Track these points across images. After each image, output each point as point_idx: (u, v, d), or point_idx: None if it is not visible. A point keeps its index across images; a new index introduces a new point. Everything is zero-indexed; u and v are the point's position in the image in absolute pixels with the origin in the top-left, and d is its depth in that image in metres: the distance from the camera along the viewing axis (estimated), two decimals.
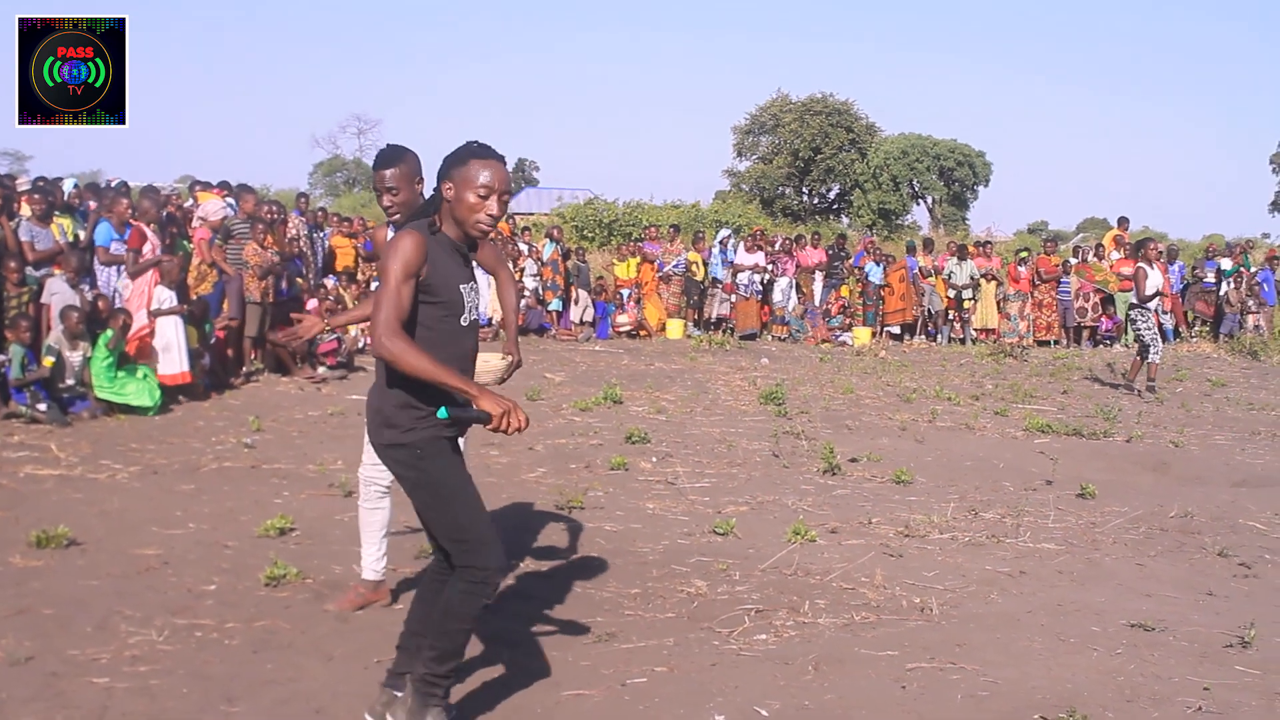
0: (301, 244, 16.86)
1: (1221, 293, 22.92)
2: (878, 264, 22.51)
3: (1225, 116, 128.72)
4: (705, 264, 22.15)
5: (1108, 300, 22.37)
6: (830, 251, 23.03)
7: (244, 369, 14.12)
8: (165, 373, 11.86)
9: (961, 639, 5.72)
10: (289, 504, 8.00)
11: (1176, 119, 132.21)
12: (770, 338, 21.67)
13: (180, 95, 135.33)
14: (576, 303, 21.21)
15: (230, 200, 15.07)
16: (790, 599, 6.31)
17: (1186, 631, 5.97)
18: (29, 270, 11.47)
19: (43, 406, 10.53)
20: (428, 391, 4.05)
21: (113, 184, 16.93)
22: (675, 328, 21.34)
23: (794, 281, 21.96)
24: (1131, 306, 15.68)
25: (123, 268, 12.42)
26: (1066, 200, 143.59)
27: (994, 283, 22.43)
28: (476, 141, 4.25)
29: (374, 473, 5.77)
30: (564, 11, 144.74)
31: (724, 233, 23.57)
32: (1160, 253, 16.73)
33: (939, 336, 22.45)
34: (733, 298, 21.66)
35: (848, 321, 22.21)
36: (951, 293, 22.32)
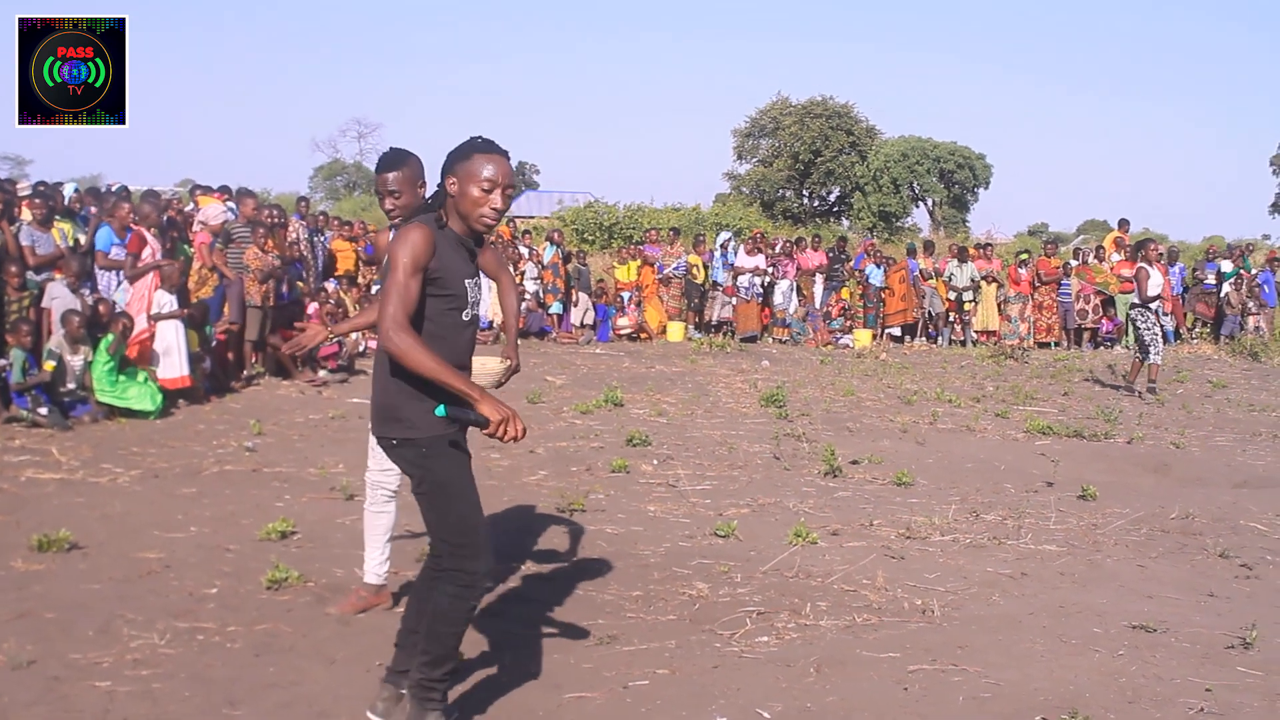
0: (302, 248, 16.87)
1: (1222, 294, 22.93)
2: (878, 266, 22.51)
3: (1225, 118, 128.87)
4: (706, 267, 22.16)
5: (1108, 302, 22.38)
6: (831, 254, 23.04)
7: (245, 372, 14.13)
8: (165, 376, 11.86)
9: (963, 641, 5.72)
10: (290, 507, 7.99)
11: (1176, 120, 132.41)
12: (771, 340, 21.67)
13: (181, 99, 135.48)
14: (577, 305, 21.21)
15: (231, 204, 15.08)
16: (792, 601, 6.30)
17: (1188, 633, 5.97)
18: (30, 275, 11.48)
19: (44, 410, 10.53)
20: (431, 386, 4.06)
21: (113, 188, 16.92)
22: (676, 330, 21.34)
23: (794, 284, 21.96)
24: (1132, 307, 15.68)
25: (122, 272, 12.41)
26: (1067, 202, 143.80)
27: (994, 285, 22.44)
28: (480, 137, 4.26)
29: (381, 477, 5.78)
30: (564, 15, 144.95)
31: (724, 235, 23.58)
32: (1161, 254, 16.73)
33: (940, 338, 22.46)
34: (733, 300, 21.66)
35: (848, 324, 22.22)
36: (952, 295, 22.32)
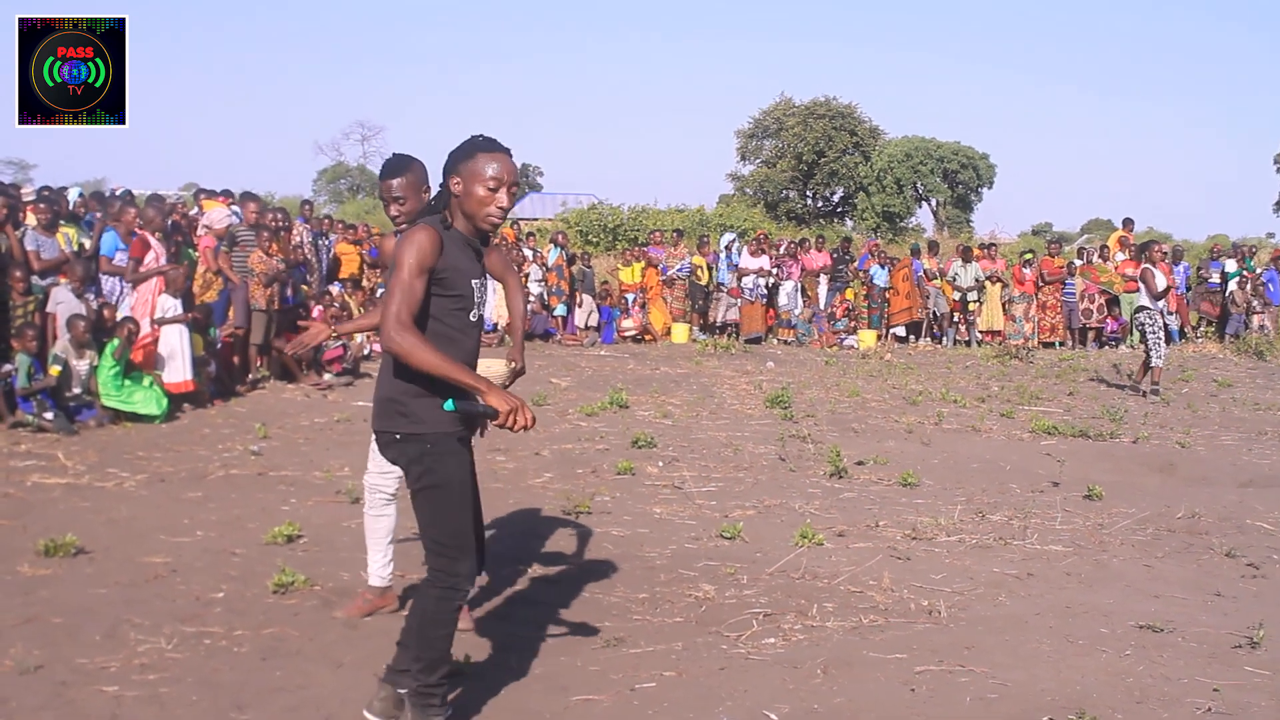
0: (306, 251, 16.88)
1: (1226, 293, 22.92)
2: (882, 267, 22.50)
3: (1229, 117, 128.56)
4: (710, 268, 22.16)
5: (1113, 301, 22.37)
6: (835, 255, 23.05)
7: (250, 376, 14.14)
8: (169, 381, 11.88)
9: (970, 641, 5.71)
10: (296, 511, 8.01)
11: (1180, 120, 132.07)
12: (776, 341, 21.67)
13: (184, 102, 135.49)
14: (581, 307, 21.22)
15: (235, 208, 15.10)
16: (798, 602, 6.30)
17: (1195, 632, 5.96)
18: (35, 279, 11.49)
19: (49, 415, 10.55)
20: (438, 382, 4.06)
21: (117, 192, 16.96)
22: (680, 332, 21.35)
23: (799, 285, 21.96)
24: (1138, 310, 15.66)
25: (124, 277, 12.44)
26: (1071, 202, 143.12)
27: (999, 285, 22.42)
28: (482, 135, 4.26)
29: (380, 480, 5.78)
30: (567, 16, 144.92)
31: (729, 237, 23.56)
32: (1165, 253, 16.71)
33: (944, 339, 22.44)
34: (738, 302, 21.65)
35: (853, 325, 22.21)
36: (956, 295, 22.30)
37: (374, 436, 4.48)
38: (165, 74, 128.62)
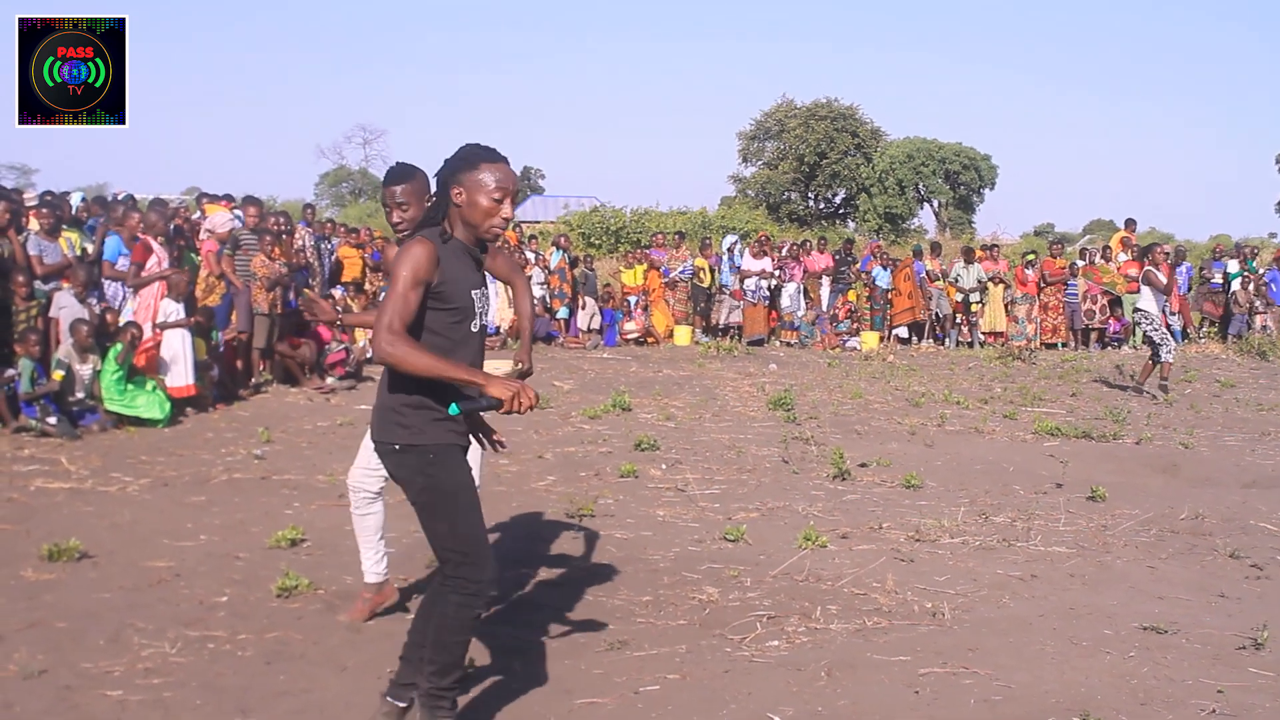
0: (309, 255, 16.88)
1: (1229, 293, 22.91)
2: (885, 268, 22.50)
3: (1230, 117, 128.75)
4: (713, 270, 22.15)
5: (1115, 302, 22.36)
6: (837, 256, 23.05)
7: (253, 380, 14.14)
8: (171, 385, 11.88)
9: (974, 643, 5.71)
10: (299, 515, 8.01)
11: (1182, 120, 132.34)
12: (778, 343, 21.67)
13: (186, 106, 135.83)
14: (584, 310, 21.21)
15: (238, 212, 15.11)
16: (802, 605, 6.30)
17: (1199, 634, 5.96)
18: (37, 284, 11.50)
19: (53, 420, 10.55)
20: (438, 390, 4.06)
21: (119, 196, 16.98)
22: (683, 334, 21.35)
23: (802, 287, 21.95)
24: (1136, 311, 15.64)
25: (125, 281, 12.45)
26: (1073, 202, 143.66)
27: (1001, 286, 22.41)
28: (478, 144, 4.24)
29: (363, 479, 5.80)
30: (568, 19, 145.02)
31: (731, 239, 23.53)
32: (1167, 254, 16.69)
33: (947, 340, 22.44)
34: (741, 304, 21.64)
35: (855, 326, 22.21)
36: (959, 296, 22.30)
37: (372, 447, 4.47)
38: (168, 77, 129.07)
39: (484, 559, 4.21)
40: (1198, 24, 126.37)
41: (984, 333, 22.26)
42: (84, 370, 11.07)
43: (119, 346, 11.23)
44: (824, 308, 22.15)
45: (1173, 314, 15.42)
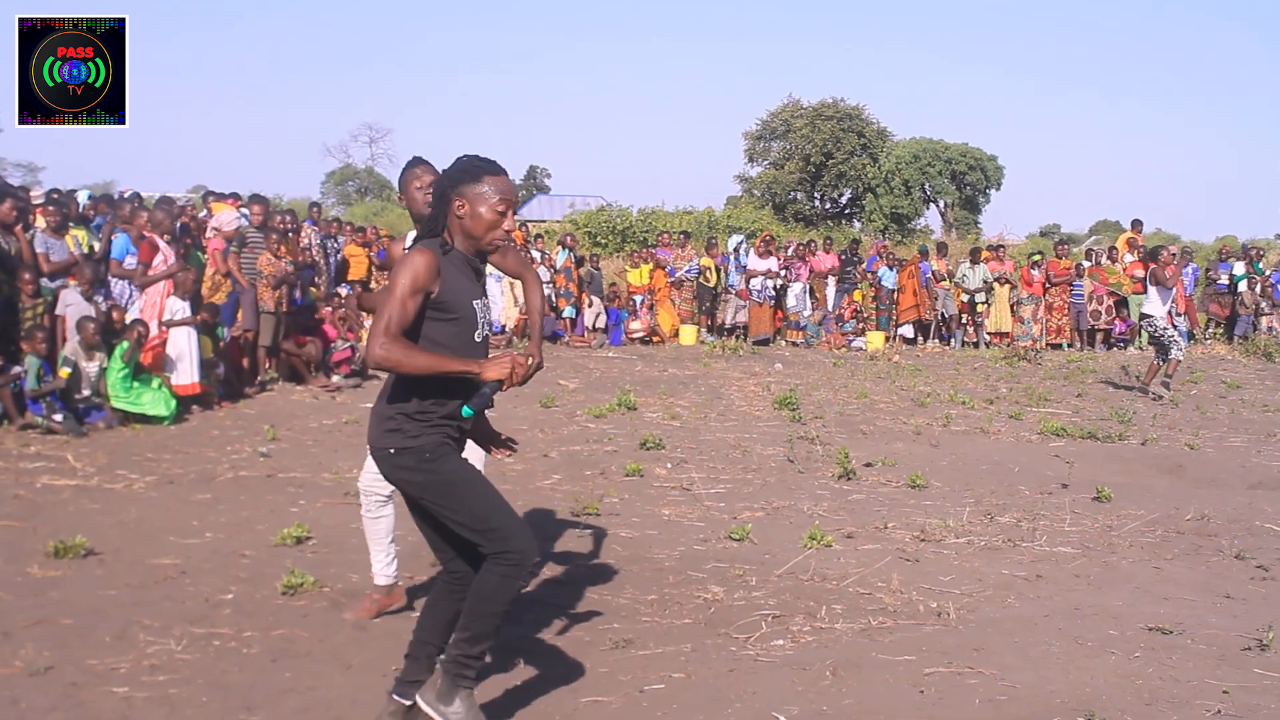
0: (315, 253, 16.91)
1: (1236, 294, 22.88)
2: (890, 269, 22.49)
3: (1237, 119, 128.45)
4: (718, 270, 22.14)
5: (1121, 303, 22.34)
6: (843, 256, 23.04)
7: (258, 378, 14.16)
8: (177, 383, 11.89)
9: (979, 643, 5.71)
10: (305, 512, 8.02)
11: (1188, 121, 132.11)
12: (784, 343, 21.66)
13: (192, 105, 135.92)
14: (590, 308, 21.22)
15: (244, 210, 15.13)
16: (807, 604, 6.30)
17: (1204, 634, 5.95)
18: (44, 282, 11.52)
19: (59, 417, 10.57)
20: (436, 397, 4.10)
21: (125, 195, 16.99)
22: (688, 334, 21.34)
23: (808, 287, 21.94)
24: (1143, 316, 15.62)
25: (132, 280, 12.46)
26: (1079, 203, 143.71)
27: (1007, 286, 22.39)
28: (477, 156, 4.26)
29: (374, 484, 5.80)
30: (574, 18, 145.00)
31: (737, 239, 23.52)
32: (1173, 255, 16.67)
33: (953, 340, 22.43)
34: (746, 304, 21.63)
35: (861, 326, 22.20)
36: (964, 297, 22.28)
37: (368, 451, 4.49)
38: (175, 76, 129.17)
39: (515, 530, 4.21)
40: (1205, 25, 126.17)
41: (989, 333, 22.25)
42: (90, 368, 11.09)
43: (125, 344, 11.24)
44: (829, 308, 22.14)
45: (1179, 315, 15.38)
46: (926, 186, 52.45)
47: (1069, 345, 22.32)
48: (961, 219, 52.00)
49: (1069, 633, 5.93)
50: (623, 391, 13.77)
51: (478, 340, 4.26)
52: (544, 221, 39.70)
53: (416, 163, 5.61)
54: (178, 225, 13.64)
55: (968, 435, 12.19)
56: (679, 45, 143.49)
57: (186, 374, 12.07)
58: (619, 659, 5.41)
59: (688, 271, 21.89)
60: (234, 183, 75.89)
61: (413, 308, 4.03)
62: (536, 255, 21.03)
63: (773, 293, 21.81)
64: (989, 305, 22.28)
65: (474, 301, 4.23)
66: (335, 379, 14.59)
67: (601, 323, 21.26)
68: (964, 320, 22.48)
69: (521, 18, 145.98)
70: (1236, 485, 10.08)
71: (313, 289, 16.03)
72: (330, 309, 15.73)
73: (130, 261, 12.50)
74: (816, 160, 52.24)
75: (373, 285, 18.48)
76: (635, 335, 21.19)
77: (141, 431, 10.94)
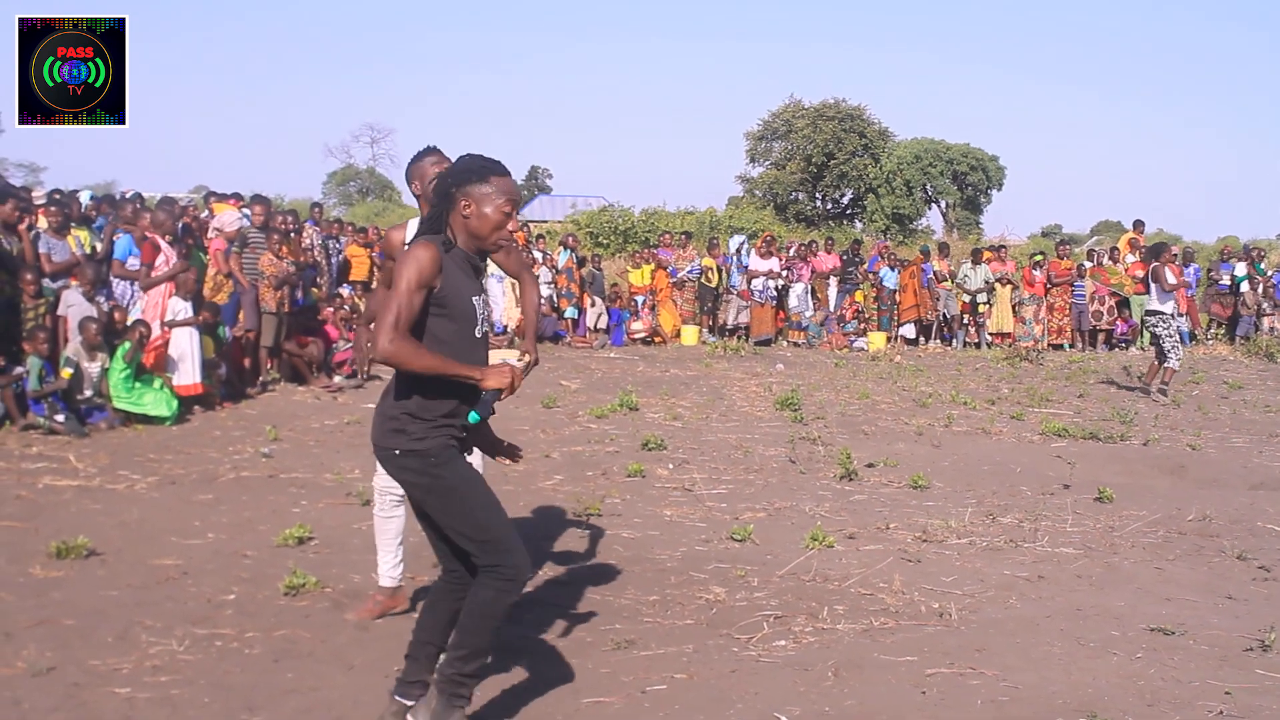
0: (316, 254, 16.91)
1: (1238, 295, 22.87)
2: (892, 269, 22.49)
3: (1239, 119, 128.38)
4: (719, 270, 22.13)
5: (1123, 303, 22.34)
6: (845, 257, 23.03)
7: (260, 378, 14.16)
8: (179, 384, 11.89)
9: (981, 644, 5.71)
10: (307, 513, 8.02)
11: (1190, 122, 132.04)
12: (785, 343, 21.66)
13: (194, 105, 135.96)
14: (595, 305, 21.22)
15: (246, 211, 15.13)
16: (809, 605, 6.30)
17: (1206, 635, 5.95)
18: (46, 282, 11.52)
19: (60, 418, 10.57)
20: (438, 397, 4.12)
21: (127, 195, 17.00)
22: (690, 334, 21.34)
23: (809, 287, 21.94)
24: (1148, 314, 15.61)
25: (137, 282, 12.46)
26: (1080, 204, 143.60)
27: (1009, 287, 22.38)
28: (482, 156, 4.27)
29: (389, 482, 5.80)
30: (575, 18, 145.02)
31: (739, 239, 23.50)
32: (1175, 255, 16.66)
33: (954, 341, 22.42)
34: (748, 304, 21.63)
35: (862, 327, 22.20)
36: (966, 297, 22.28)
37: (373, 450, 4.50)
38: (176, 76, 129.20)
39: (510, 545, 4.23)
40: (1206, 25, 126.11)
41: (991, 334, 22.25)
42: (92, 368, 11.09)
43: (127, 344, 11.25)
44: (831, 308, 22.14)
45: (1180, 315, 15.39)
46: (928, 187, 52.43)
47: (1070, 346, 22.32)
48: (963, 219, 52.00)
49: (1071, 633, 5.93)
50: (624, 392, 13.77)
51: (478, 337, 4.28)
52: (545, 222, 39.68)
53: (431, 151, 5.62)
54: (179, 226, 13.63)
55: (969, 436, 12.18)
56: (681, 45, 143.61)
57: (188, 374, 12.08)
58: (621, 660, 5.42)
59: (689, 272, 21.89)
60: (235, 183, 75.79)
61: (418, 303, 4.05)
62: (538, 256, 21.04)
63: (774, 293, 21.80)
64: (990, 306, 22.28)
65: (474, 299, 4.25)
66: (337, 379, 14.60)
67: (603, 323, 21.26)
68: (965, 321, 22.47)
69: (523, 17, 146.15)
70: (1238, 486, 10.08)
71: (314, 289, 16.03)
72: (332, 309, 15.73)
73: (133, 262, 12.50)
74: (818, 161, 52.24)
75: (374, 286, 18.46)
76: (637, 336, 21.19)
77: (143, 432, 10.94)
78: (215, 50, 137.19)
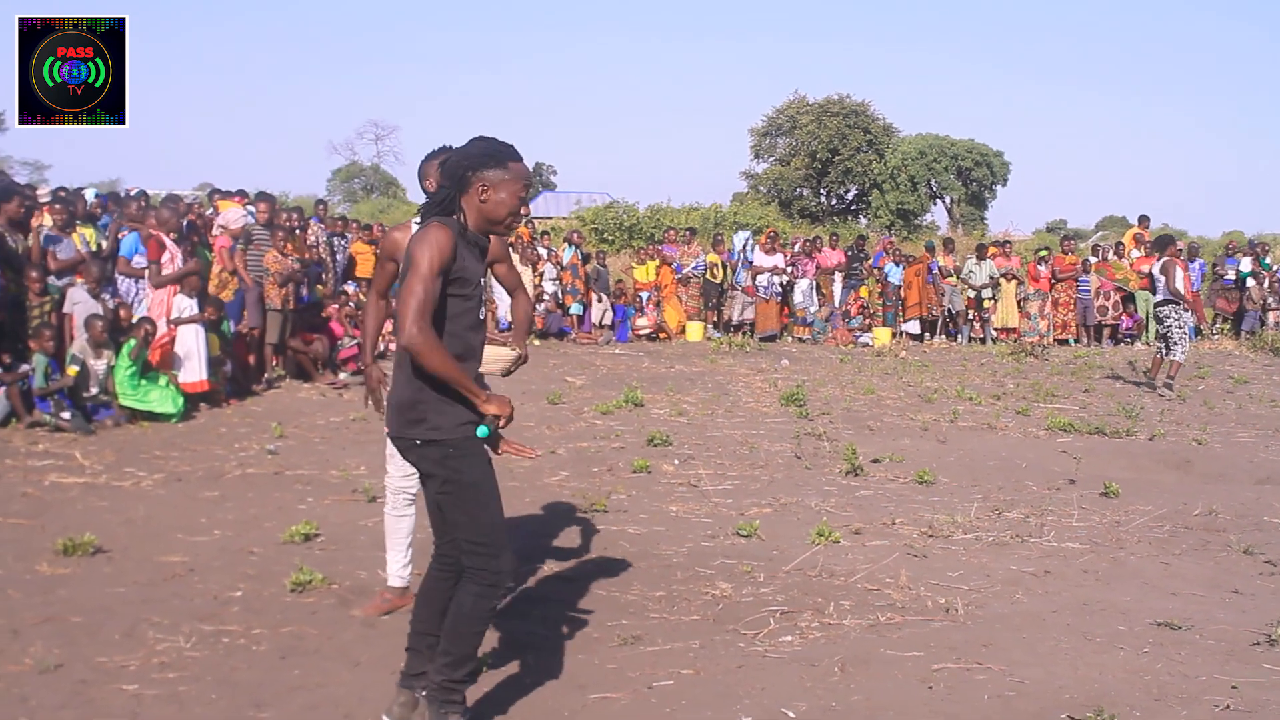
0: (321, 251, 16.91)
1: (1243, 289, 22.85)
2: (897, 265, 22.47)
3: (1243, 114, 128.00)
4: (724, 266, 22.12)
5: (1128, 298, 22.32)
6: (849, 253, 23.01)
7: (265, 375, 14.17)
8: (184, 381, 11.91)
9: (987, 639, 5.71)
10: (313, 510, 8.03)
11: (1194, 116, 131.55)
12: (790, 339, 21.65)
13: (198, 103, 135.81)
14: (600, 301, 21.21)
15: (250, 208, 15.15)
16: (815, 600, 6.30)
17: (1213, 630, 5.95)
18: (51, 280, 11.53)
19: (67, 415, 10.59)
20: (451, 390, 4.11)
21: (132, 193, 17.01)
22: (695, 330, 21.33)
23: (814, 283, 21.93)
24: (1161, 303, 15.57)
25: (144, 280, 12.47)
26: (1085, 199, 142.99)
27: (1014, 282, 22.36)
28: (497, 140, 4.28)
29: (403, 482, 5.81)
30: (581, 15, 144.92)
31: (743, 235, 23.47)
32: (1180, 250, 16.64)
33: (959, 336, 22.40)
34: (753, 300, 21.62)
35: (867, 322, 22.18)
36: (971, 293, 22.26)
37: (390, 440, 4.50)
38: (178, 74, 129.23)
39: (501, 550, 4.25)
40: (1210, 21, 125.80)
41: (996, 329, 22.22)
42: (98, 365, 11.10)
43: (133, 342, 11.26)
44: (836, 304, 22.12)
45: (1185, 310, 15.37)
46: (933, 183, 52.33)
47: (1076, 341, 22.31)
48: (968, 215, 51.92)
49: (1077, 628, 5.92)
50: (630, 388, 13.76)
51: (481, 318, 4.30)
52: (550, 218, 39.56)
53: (444, 151, 5.63)
54: (184, 223, 13.64)
55: (975, 431, 12.18)
56: (685, 42, 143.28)
57: (194, 372, 12.09)
58: (627, 655, 5.42)
59: (694, 268, 21.88)
60: (240, 180, 75.90)
61: (438, 289, 4.05)
62: (543, 252, 21.02)
63: (779, 289, 21.79)
64: (996, 301, 22.25)
65: (480, 279, 4.26)
66: (342, 376, 14.61)
67: (608, 319, 21.26)
68: (971, 316, 22.45)
69: (527, 14, 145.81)
70: (1244, 480, 10.07)
71: (319, 286, 16.04)
72: (337, 306, 15.74)
73: (138, 260, 12.51)
74: (822, 156, 52.15)
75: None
76: (642, 332, 21.19)
77: (149, 429, 10.96)
78: (219, 48, 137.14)
